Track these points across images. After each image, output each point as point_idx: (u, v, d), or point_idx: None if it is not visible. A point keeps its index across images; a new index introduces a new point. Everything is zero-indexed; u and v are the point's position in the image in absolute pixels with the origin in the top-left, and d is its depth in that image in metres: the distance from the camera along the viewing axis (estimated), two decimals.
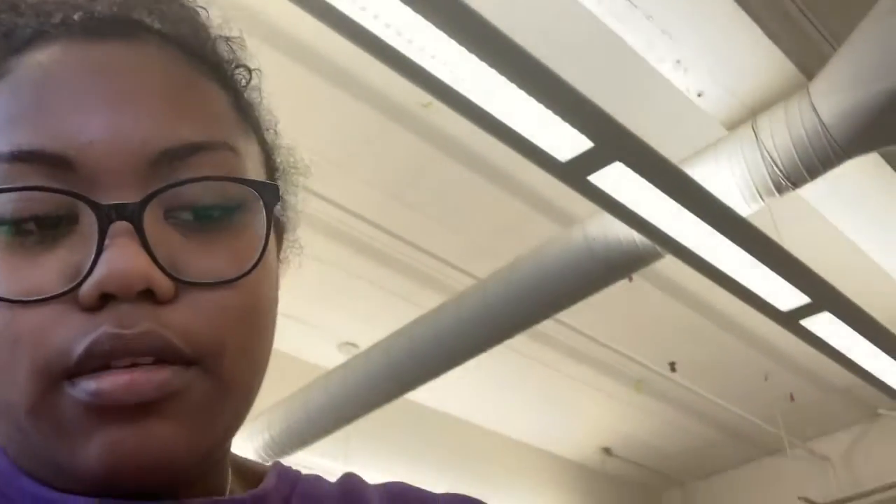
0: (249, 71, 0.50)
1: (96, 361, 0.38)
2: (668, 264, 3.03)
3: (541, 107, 2.06)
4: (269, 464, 0.53)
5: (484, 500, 0.56)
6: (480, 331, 3.13)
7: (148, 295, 0.38)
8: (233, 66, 0.49)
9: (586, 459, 5.59)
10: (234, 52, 0.49)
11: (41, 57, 0.43)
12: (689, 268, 2.80)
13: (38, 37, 0.44)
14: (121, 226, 0.38)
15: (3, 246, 0.39)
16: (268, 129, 0.51)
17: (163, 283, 0.39)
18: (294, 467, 0.53)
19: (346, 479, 0.55)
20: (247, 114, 0.48)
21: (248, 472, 0.51)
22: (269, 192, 0.43)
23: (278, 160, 0.51)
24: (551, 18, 2.64)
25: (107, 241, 0.38)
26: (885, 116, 2.39)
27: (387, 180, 3.34)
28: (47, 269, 0.39)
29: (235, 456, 0.52)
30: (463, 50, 1.91)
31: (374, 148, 3.18)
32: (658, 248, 2.73)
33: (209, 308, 0.40)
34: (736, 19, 2.56)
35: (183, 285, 0.40)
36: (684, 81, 2.69)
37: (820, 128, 2.51)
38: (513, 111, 2.09)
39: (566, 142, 2.19)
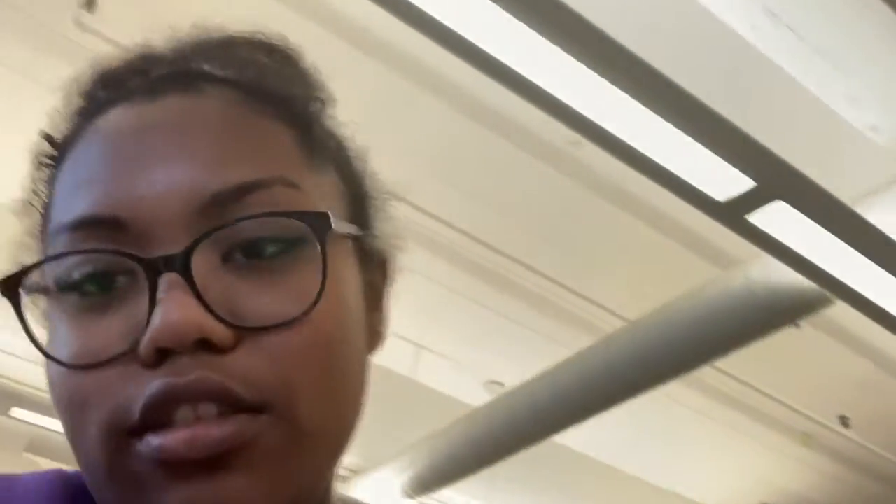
0: (323, 102, 0.48)
1: (155, 414, 0.37)
2: (841, 311, 2.83)
3: (699, 146, 1.98)
4: None
5: None
6: (630, 374, 3.04)
7: (207, 345, 0.37)
8: (305, 99, 0.47)
9: None
10: (308, 85, 0.48)
11: (101, 123, 0.44)
12: (862, 315, 2.60)
13: (104, 106, 0.45)
14: (170, 277, 0.38)
15: (67, 310, 0.40)
16: (351, 157, 0.49)
17: (218, 331, 0.37)
18: None
19: None
20: (319, 146, 0.46)
21: None
22: (319, 221, 0.41)
23: (366, 188, 0.49)
24: (712, 55, 2.55)
25: (159, 295, 0.38)
26: None
27: (538, 221, 3.32)
28: (109, 330, 0.39)
29: (347, 498, 0.50)
30: (615, 89, 1.86)
31: (525, 189, 3.17)
32: (827, 293, 2.55)
33: (273, 351, 0.39)
34: None
35: (242, 331, 0.38)
36: (857, 117, 2.52)
37: None
38: (666, 149, 2.02)
39: (724, 180, 2.09)
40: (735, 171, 2.07)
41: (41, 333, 0.42)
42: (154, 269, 0.38)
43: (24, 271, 0.41)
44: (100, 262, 0.40)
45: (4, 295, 0.40)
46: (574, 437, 3.66)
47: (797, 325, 3.13)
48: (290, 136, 0.45)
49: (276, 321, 0.39)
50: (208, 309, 0.37)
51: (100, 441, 0.38)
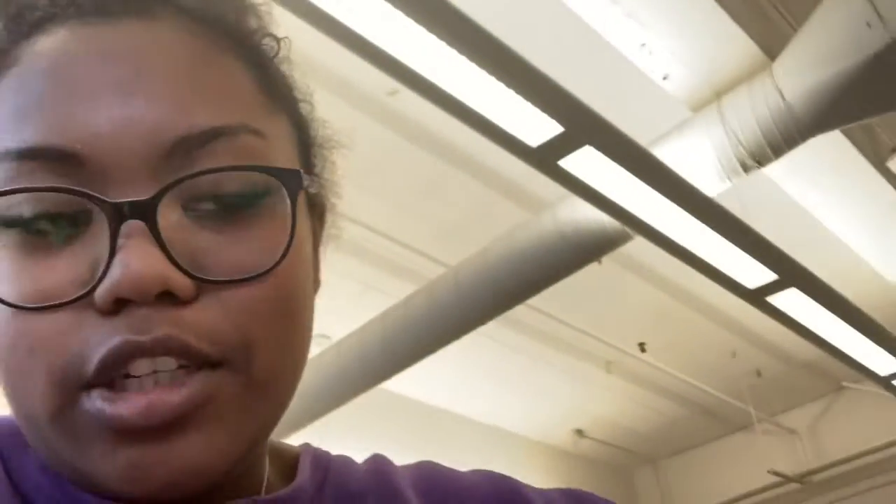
0: (278, 41, 0.46)
1: (113, 371, 0.36)
2: (637, 247, 3.06)
3: (511, 92, 2.06)
4: (300, 446, 0.51)
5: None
6: (453, 319, 3.14)
7: (168, 296, 0.36)
8: (259, 36, 0.45)
9: (559, 442, 5.64)
10: (260, 20, 0.45)
11: (48, 43, 0.40)
12: (657, 250, 2.83)
13: (49, 19, 0.40)
14: (133, 224, 0.36)
15: (16, 248, 0.37)
16: (301, 102, 0.47)
17: (181, 284, 0.36)
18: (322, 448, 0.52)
19: (375, 462, 0.53)
20: (275, 89, 0.44)
21: (281, 457, 0.49)
22: (292, 179, 0.40)
23: (314, 135, 0.48)
24: (516, 3, 2.64)
25: (120, 241, 0.36)
26: (847, 94, 2.43)
27: (351, 168, 3.31)
28: (61, 272, 0.37)
29: (275, 443, 0.50)
30: (431, 36, 1.90)
31: (341, 139, 3.16)
32: (628, 230, 2.75)
33: (235, 305, 0.37)
34: (699, 1, 2.58)
35: (204, 283, 0.37)
36: (649, 64, 2.71)
37: (783, 107, 2.54)
38: (482, 97, 2.08)
39: (537, 127, 2.20)
40: (545, 118, 2.17)
41: None
42: (119, 214, 0.36)
43: None
44: (54, 199, 0.37)
45: None
46: (400, 383, 3.75)
47: (599, 262, 3.35)
48: (249, 76, 0.42)
49: (241, 275, 0.37)
50: (172, 260, 0.36)
51: (46, 391, 0.36)
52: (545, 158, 2.29)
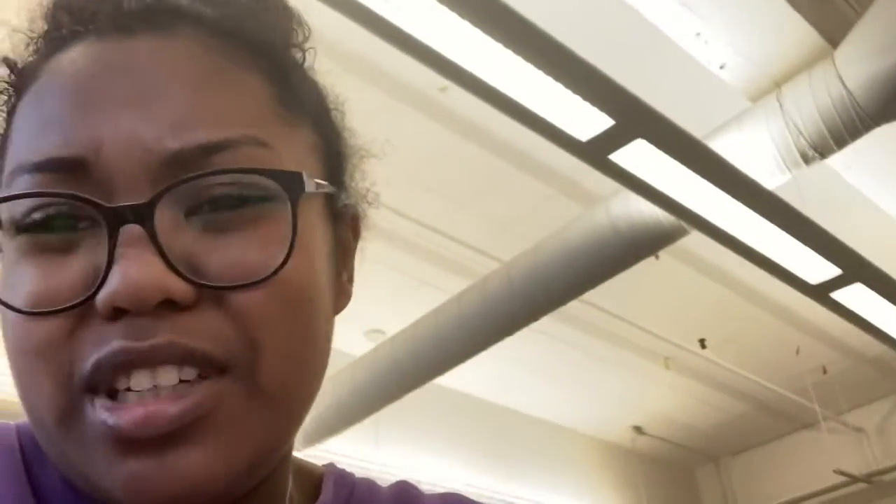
0: (304, 51, 0.46)
1: (108, 376, 0.36)
2: (696, 241, 3.00)
3: (559, 85, 2.03)
4: (324, 466, 0.51)
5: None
6: (506, 314, 3.12)
7: (168, 304, 0.36)
8: (282, 48, 0.45)
9: (617, 438, 5.57)
10: (284, 32, 0.45)
11: (66, 60, 0.41)
12: (716, 244, 2.77)
13: (72, 38, 0.42)
14: (131, 229, 0.36)
15: (23, 252, 0.38)
16: (330, 111, 0.47)
17: (181, 290, 0.36)
18: (343, 468, 0.51)
19: (401, 490, 0.52)
20: (295, 101, 0.44)
21: (305, 476, 0.49)
22: (293, 181, 0.39)
23: (344, 145, 0.47)
24: None
25: (119, 249, 0.36)
26: None
27: (407, 166, 3.33)
28: (64, 277, 0.37)
29: (301, 462, 0.49)
30: (478, 31, 1.88)
31: (393, 135, 3.17)
32: (684, 224, 2.70)
33: (237, 309, 0.37)
34: None
35: (204, 289, 0.37)
36: (705, 54, 2.64)
37: (846, 96, 2.45)
38: (530, 91, 2.06)
39: (586, 121, 2.17)
40: (595, 111, 2.14)
41: None
42: (117, 219, 0.36)
43: None
44: (62, 205, 0.38)
45: None
46: (455, 378, 3.75)
47: (656, 257, 3.30)
48: (265, 88, 0.42)
49: (241, 280, 0.37)
50: (170, 265, 0.36)
51: (52, 394, 0.37)
52: (595, 152, 2.26)
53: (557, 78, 2.02)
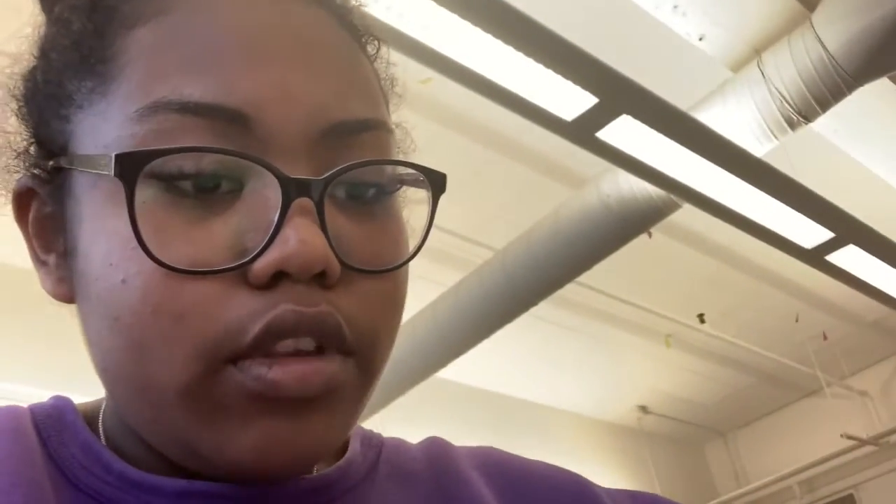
0: (378, 39, 0.46)
1: (272, 341, 0.35)
2: (687, 215, 3.00)
3: (539, 66, 2.03)
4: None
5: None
6: (503, 302, 3.12)
7: (317, 279, 0.36)
8: (366, 33, 0.45)
9: (623, 419, 5.58)
10: (366, 21, 0.46)
11: None
12: (708, 217, 2.77)
13: None
14: (304, 203, 0.36)
15: (160, 205, 0.36)
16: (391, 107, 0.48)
17: (335, 268, 0.36)
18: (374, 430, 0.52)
19: (432, 444, 0.52)
20: (385, 91, 0.45)
21: None
22: (440, 182, 0.41)
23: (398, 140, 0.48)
24: None
25: (290, 218, 0.35)
26: (890, 40, 2.34)
27: None
28: (213, 239, 0.36)
29: None
30: (455, 17, 1.88)
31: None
32: (674, 198, 2.70)
33: (369, 296, 0.38)
34: None
35: (350, 271, 0.37)
36: (684, 26, 2.64)
37: (826, 58, 2.46)
38: (512, 74, 2.06)
39: (570, 100, 2.16)
40: (578, 90, 2.13)
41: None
42: (295, 189, 0.36)
43: (158, 153, 0.35)
44: (216, 159, 0.36)
45: (122, 176, 0.35)
46: (457, 370, 3.74)
47: (649, 235, 3.30)
48: (376, 77, 0.43)
49: (378, 266, 0.39)
50: (329, 244, 0.36)
51: (189, 359, 0.35)
52: (582, 131, 2.26)
53: (538, 59, 2.01)
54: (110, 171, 0.35)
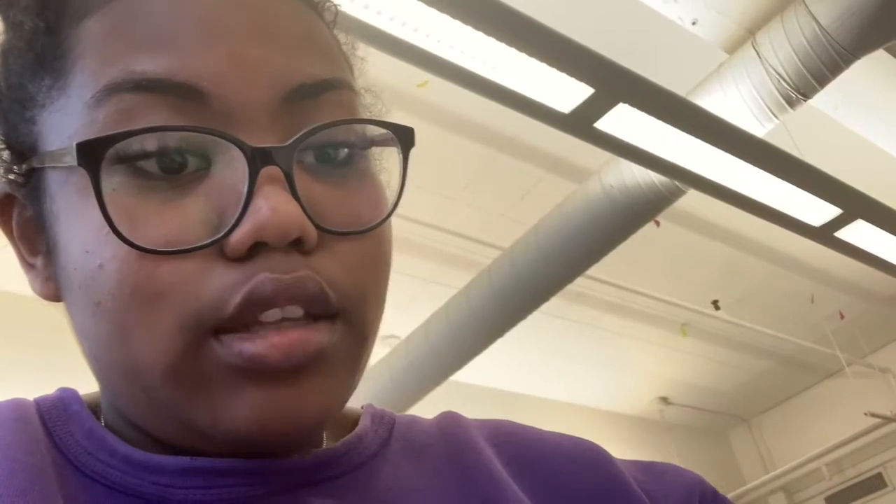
0: (336, 7, 0.46)
1: (254, 311, 0.35)
2: (693, 201, 2.99)
3: (533, 60, 2.03)
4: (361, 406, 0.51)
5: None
6: (514, 300, 3.11)
7: (294, 245, 0.36)
8: (324, 2, 0.45)
9: (645, 412, 5.56)
10: None
11: None
12: (714, 202, 2.75)
13: None
14: (271, 171, 0.36)
15: (128, 189, 0.36)
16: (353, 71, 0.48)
17: (311, 232, 0.36)
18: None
19: (445, 417, 0.52)
20: (346, 54, 0.45)
21: (340, 417, 0.49)
22: (408, 135, 0.41)
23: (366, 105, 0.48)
24: None
25: (259, 187, 0.36)
26: (884, 10, 2.33)
27: (393, 166, 3.32)
28: (189, 214, 0.36)
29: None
30: (446, 17, 1.88)
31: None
32: (678, 184, 2.69)
33: (350, 258, 0.38)
34: None
35: (327, 234, 0.37)
36: (676, 11, 2.63)
37: (820, 33, 2.45)
38: (506, 70, 2.05)
39: (566, 92, 2.16)
40: (573, 81, 2.13)
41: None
42: (260, 159, 0.36)
43: (118, 136, 0.35)
44: (177, 137, 0.36)
45: (85, 164, 0.35)
46: (474, 372, 3.74)
47: (657, 223, 3.29)
48: (335, 40, 0.43)
49: (356, 228, 0.38)
50: (303, 208, 0.36)
51: (172, 337, 0.35)
52: (580, 123, 2.25)
53: (531, 53, 2.01)
54: (74, 161, 0.35)
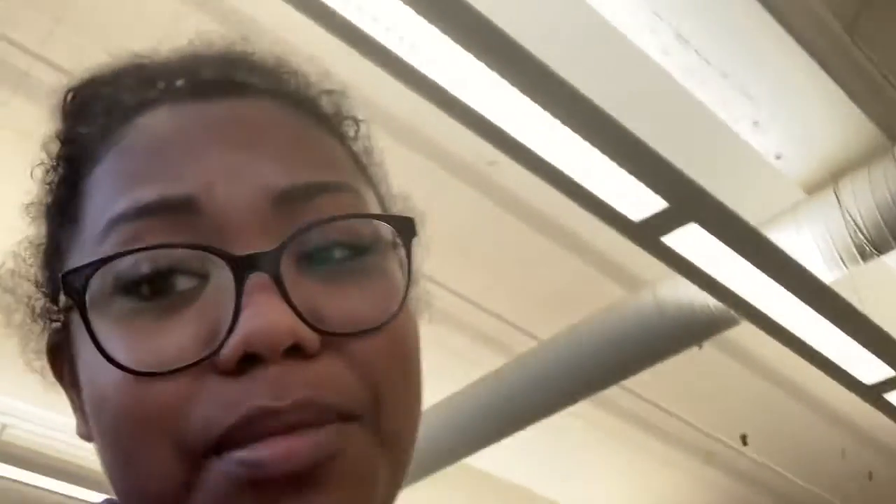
0: (357, 122, 0.47)
1: (247, 434, 0.34)
2: (742, 333, 2.91)
3: (614, 164, 2.00)
4: None
5: None
6: (543, 394, 3.04)
7: (292, 351, 0.35)
8: (341, 118, 0.46)
9: None
10: (339, 104, 0.47)
11: (150, 120, 0.41)
12: (761, 337, 2.68)
13: (143, 105, 0.42)
14: (259, 278, 0.35)
15: (127, 315, 0.36)
16: (381, 182, 0.48)
17: (309, 337, 0.35)
18: None
19: None
20: (362, 164, 0.45)
21: None
22: (407, 226, 0.40)
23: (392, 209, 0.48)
24: (622, 75, 2.60)
25: (246, 297, 0.35)
26: None
27: (448, 237, 3.30)
28: (180, 333, 0.35)
29: None
30: (536, 106, 1.87)
31: (439, 207, 3.15)
32: (734, 313, 2.62)
33: (359, 358, 0.37)
34: (815, 79, 2.47)
35: (328, 337, 0.36)
36: (762, 143, 2.60)
37: None
38: (585, 168, 2.03)
39: (640, 201, 2.13)
40: (649, 193, 2.10)
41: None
42: (246, 267, 0.35)
43: (99, 263, 0.36)
44: (171, 256, 0.36)
45: (70, 294, 0.36)
46: (487, 459, 3.65)
47: (700, 346, 3.20)
48: (343, 150, 0.44)
49: (361, 327, 0.37)
50: (297, 313, 0.35)
51: (171, 461, 0.35)
52: (647, 234, 2.21)
53: (613, 157, 1.99)
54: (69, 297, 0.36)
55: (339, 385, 0.36)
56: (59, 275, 0.37)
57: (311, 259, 0.38)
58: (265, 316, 0.34)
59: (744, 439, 4.34)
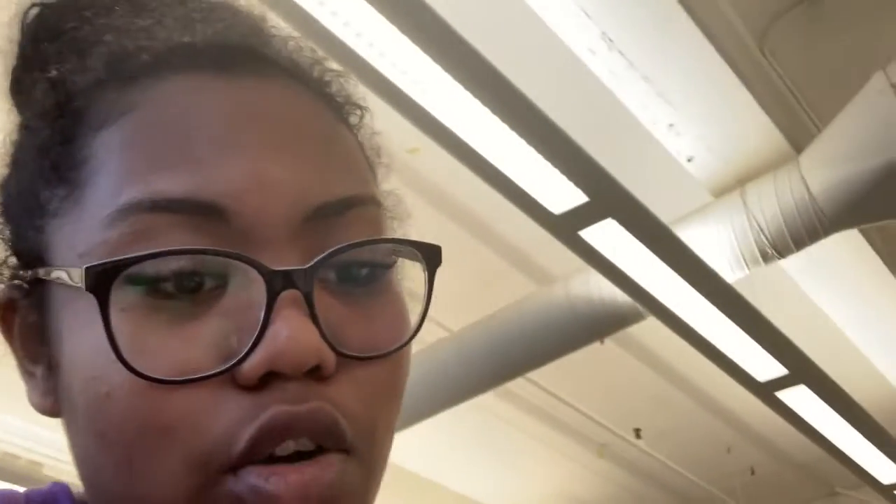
0: (361, 109, 0.45)
1: (267, 446, 0.33)
2: (642, 329, 2.99)
3: (539, 157, 2.02)
4: None
5: None
6: (453, 385, 3.05)
7: (312, 372, 0.34)
8: (350, 105, 0.44)
9: None
10: (347, 89, 0.44)
11: (171, 91, 0.37)
12: (661, 334, 2.76)
13: (158, 67, 0.38)
14: (292, 294, 0.34)
15: (140, 310, 0.34)
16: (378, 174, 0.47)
17: (330, 359, 0.34)
18: None
19: None
20: (370, 160, 0.43)
21: None
22: (435, 255, 0.39)
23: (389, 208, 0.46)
24: (547, 72, 2.63)
25: (277, 311, 0.34)
26: (873, 192, 2.40)
27: None
28: (198, 341, 0.34)
29: None
30: (466, 92, 1.86)
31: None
32: (641, 308, 2.69)
33: (366, 384, 0.36)
34: (730, 88, 2.57)
35: (345, 360, 0.35)
36: (676, 145, 2.68)
37: (808, 199, 2.51)
38: (509, 158, 2.04)
39: (561, 195, 2.15)
40: (571, 186, 2.12)
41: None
42: (279, 282, 0.34)
43: (129, 261, 0.33)
44: (191, 259, 0.34)
45: (94, 290, 0.33)
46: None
47: (601, 341, 3.27)
48: (357, 146, 0.42)
49: (374, 352, 0.36)
50: (322, 335, 0.34)
51: (181, 474, 0.33)
52: (566, 227, 2.24)
53: (538, 149, 2.00)
54: (82, 284, 0.34)
55: (346, 409, 0.35)
56: (83, 267, 0.34)
57: (334, 275, 0.37)
58: (296, 336, 0.33)
59: (637, 433, 4.47)
